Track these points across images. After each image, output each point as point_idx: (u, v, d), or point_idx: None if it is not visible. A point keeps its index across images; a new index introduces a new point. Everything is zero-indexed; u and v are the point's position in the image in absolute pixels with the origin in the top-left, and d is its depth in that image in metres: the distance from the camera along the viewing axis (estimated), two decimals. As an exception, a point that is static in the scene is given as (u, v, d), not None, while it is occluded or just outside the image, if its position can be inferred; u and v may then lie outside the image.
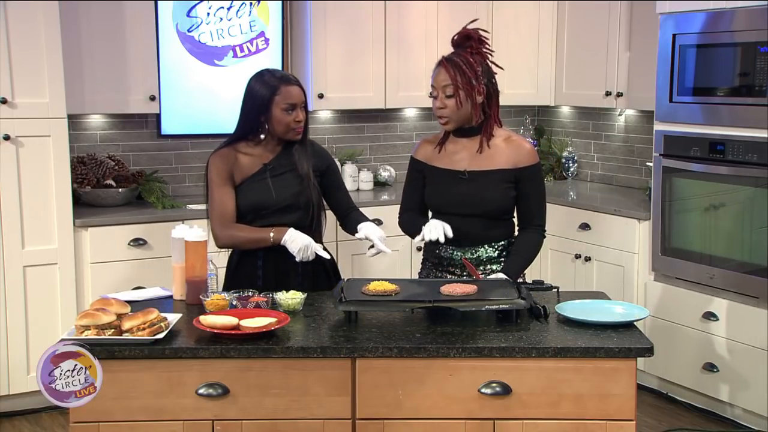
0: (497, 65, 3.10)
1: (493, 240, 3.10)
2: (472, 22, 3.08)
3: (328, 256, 3.11)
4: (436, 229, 2.98)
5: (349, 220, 3.29)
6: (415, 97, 5.29)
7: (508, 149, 3.07)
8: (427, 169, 3.16)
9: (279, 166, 3.16)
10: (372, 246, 3.12)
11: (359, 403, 2.50)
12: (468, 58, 3.00)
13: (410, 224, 3.18)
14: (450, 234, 2.98)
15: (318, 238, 3.19)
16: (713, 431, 4.18)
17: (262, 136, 3.14)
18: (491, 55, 3.07)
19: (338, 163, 5.27)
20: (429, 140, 3.20)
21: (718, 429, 4.20)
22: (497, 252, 3.11)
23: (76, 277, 4.34)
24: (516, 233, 3.17)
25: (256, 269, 3.16)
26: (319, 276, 3.22)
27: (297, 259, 3.03)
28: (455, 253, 3.11)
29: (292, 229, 3.06)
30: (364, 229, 3.15)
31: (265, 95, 3.09)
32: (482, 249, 3.10)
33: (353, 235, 3.20)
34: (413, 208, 3.22)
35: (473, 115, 3.03)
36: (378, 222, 4.89)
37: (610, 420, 2.49)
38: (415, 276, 3.44)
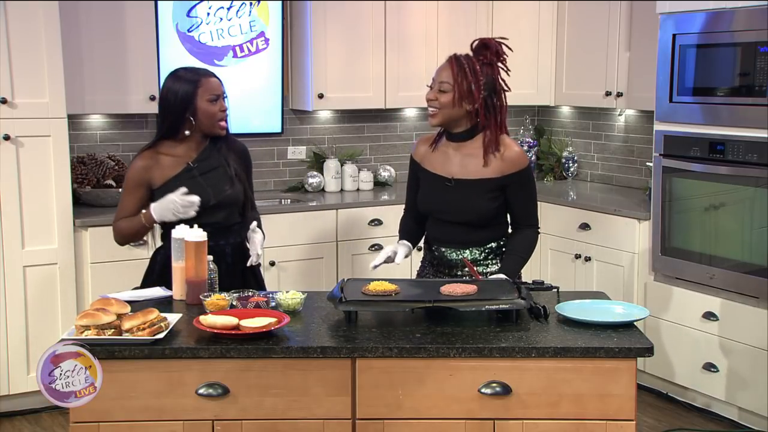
0: (506, 84, 3.08)
1: (481, 243, 3.14)
2: (501, 38, 3.08)
3: (196, 199, 3.06)
4: (380, 256, 3.13)
5: (245, 220, 3.29)
6: (415, 97, 5.28)
7: (496, 156, 3.06)
8: (420, 171, 3.20)
9: (205, 163, 3.20)
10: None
11: (359, 403, 2.51)
12: (475, 66, 3.00)
13: (401, 231, 3.29)
14: (398, 259, 3.11)
15: (244, 235, 3.23)
16: (713, 431, 4.18)
17: (187, 132, 3.16)
18: (505, 71, 3.07)
19: (339, 164, 5.29)
20: (426, 139, 3.24)
21: (718, 429, 4.20)
22: (483, 255, 3.14)
23: (76, 277, 4.34)
24: (507, 233, 3.19)
25: None
26: (247, 276, 3.26)
27: (188, 216, 3.02)
28: (445, 253, 3.15)
29: (153, 204, 3.09)
30: (253, 238, 3.18)
31: (188, 90, 3.13)
32: (468, 251, 3.14)
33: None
34: (411, 209, 3.29)
35: (461, 121, 3.04)
36: (378, 222, 4.88)
37: (610, 420, 2.50)
38: (415, 276, 3.45)
